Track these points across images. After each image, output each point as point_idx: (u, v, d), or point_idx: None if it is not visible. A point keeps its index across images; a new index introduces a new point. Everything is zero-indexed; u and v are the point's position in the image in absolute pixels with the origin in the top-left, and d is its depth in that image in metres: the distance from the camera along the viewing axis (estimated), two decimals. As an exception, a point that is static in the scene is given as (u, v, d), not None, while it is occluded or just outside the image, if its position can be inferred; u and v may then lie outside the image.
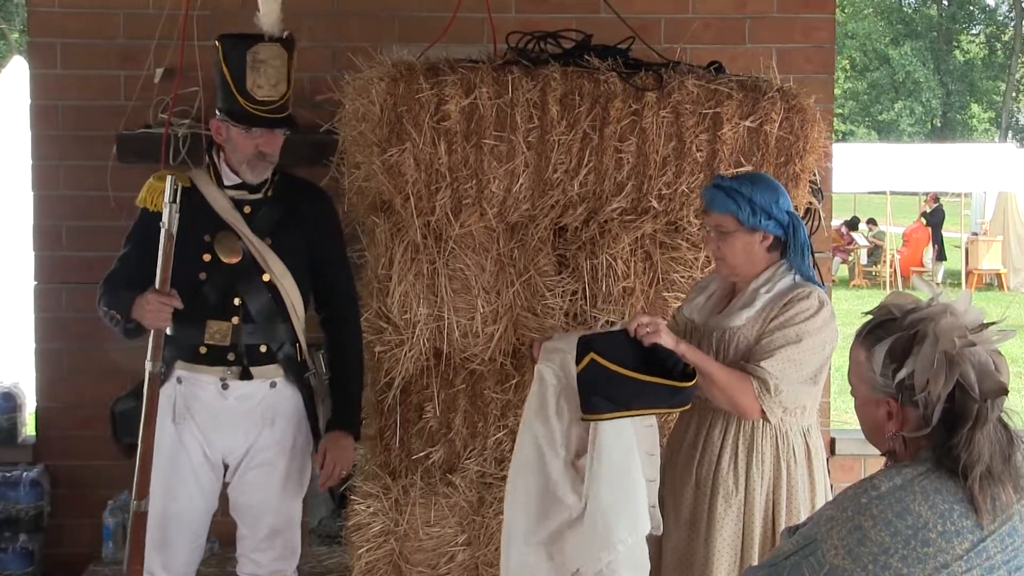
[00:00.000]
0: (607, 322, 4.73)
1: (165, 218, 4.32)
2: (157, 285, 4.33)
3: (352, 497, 4.98)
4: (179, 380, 4.56)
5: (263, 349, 4.55)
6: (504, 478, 4.81)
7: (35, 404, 6.42)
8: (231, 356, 4.53)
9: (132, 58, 6.01)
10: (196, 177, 4.62)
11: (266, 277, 4.53)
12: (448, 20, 5.32)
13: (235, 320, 4.51)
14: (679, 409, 3.93)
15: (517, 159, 4.79)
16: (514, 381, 4.98)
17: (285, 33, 4.54)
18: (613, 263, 4.94)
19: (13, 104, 8.04)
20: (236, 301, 4.52)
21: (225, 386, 4.53)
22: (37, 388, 6.36)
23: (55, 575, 6.27)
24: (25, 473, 6.18)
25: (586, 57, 4.95)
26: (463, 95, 4.74)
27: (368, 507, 4.89)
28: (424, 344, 4.93)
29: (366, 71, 4.88)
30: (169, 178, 4.35)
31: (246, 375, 4.54)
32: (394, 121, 4.75)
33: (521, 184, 4.83)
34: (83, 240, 6.03)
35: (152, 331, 4.35)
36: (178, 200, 4.33)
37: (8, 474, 6.17)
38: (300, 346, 4.62)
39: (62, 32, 6.17)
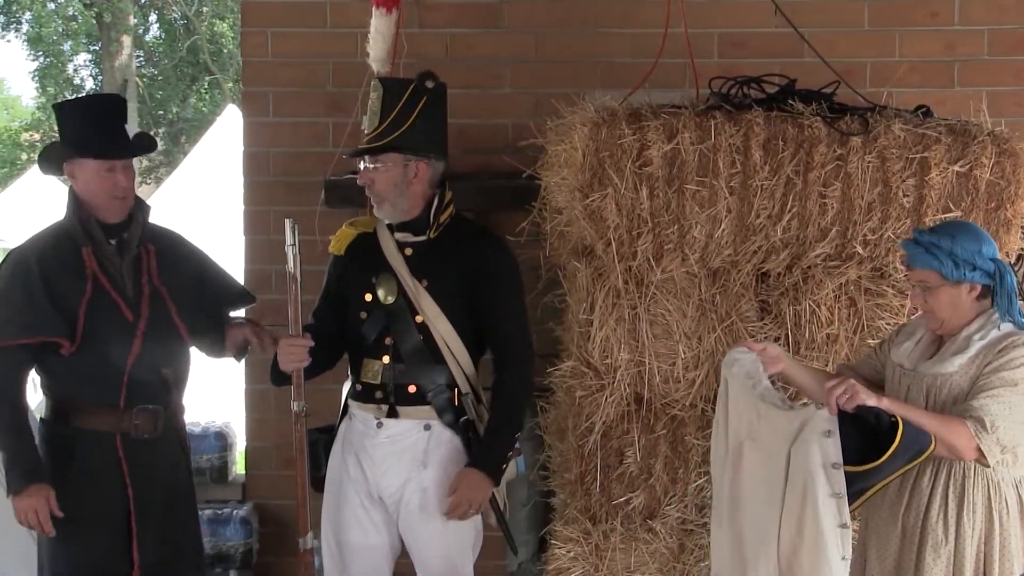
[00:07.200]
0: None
1: (289, 262, 4.48)
2: (290, 328, 4.50)
3: (553, 541, 5.00)
4: (350, 416, 4.69)
5: (412, 389, 4.55)
6: (705, 525, 4.78)
7: (244, 444, 6.62)
8: (379, 395, 4.58)
9: (340, 106, 6.15)
10: (380, 222, 4.71)
11: (419, 319, 4.54)
12: (650, 66, 5.33)
13: (385, 359, 4.56)
14: (924, 457, 3.73)
15: (719, 204, 4.77)
16: (716, 427, 4.93)
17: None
18: (816, 309, 4.88)
19: (227, 151, 8.29)
20: (388, 340, 4.57)
21: (380, 424, 4.58)
22: (247, 428, 6.55)
23: (264, 611, 6.42)
24: (235, 511, 6.38)
25: (790, 102, 4.91)
26: (665, 140, 4.75)
27: (568, 551, 4.90)
28: (625, 389, 4.93)
29: (568, 116, 4.92)
30: (287, 221, 4.50)
31: (393, 414, 4.58)
32: (596, 166, 4.78)
33: (723, 229, 4.80)
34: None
35: (294, 373, 4.52)
36: (296, 242, 4.49)
37: (219, 511, 6.38)
38: (459, 390, 4.58)
39: (274, 81, 6.39)
